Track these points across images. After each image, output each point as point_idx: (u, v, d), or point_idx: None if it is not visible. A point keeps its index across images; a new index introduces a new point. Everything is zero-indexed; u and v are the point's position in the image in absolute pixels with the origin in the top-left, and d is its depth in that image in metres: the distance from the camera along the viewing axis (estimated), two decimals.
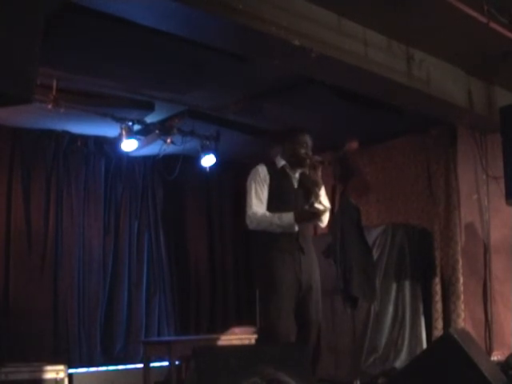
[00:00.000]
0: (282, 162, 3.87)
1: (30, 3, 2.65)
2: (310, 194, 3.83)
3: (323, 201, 3.86)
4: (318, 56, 4.00)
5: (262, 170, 3.80)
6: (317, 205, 3.78)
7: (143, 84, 5.13)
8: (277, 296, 3.62)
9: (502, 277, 5.56)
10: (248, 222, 3.72)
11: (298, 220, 3.66)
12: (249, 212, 3.72)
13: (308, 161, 3.80)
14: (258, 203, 3.71)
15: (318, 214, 3.73)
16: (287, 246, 3.70)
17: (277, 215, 3.66)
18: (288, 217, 3.65)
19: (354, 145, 7.02)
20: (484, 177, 5.79)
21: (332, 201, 7.00)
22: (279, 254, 3.68)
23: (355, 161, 6.90)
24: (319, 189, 3.82)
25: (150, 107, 5.60)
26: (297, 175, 3.89)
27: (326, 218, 3.88)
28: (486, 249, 5.73)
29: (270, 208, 3.73)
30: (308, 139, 3.87)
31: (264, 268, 3.73)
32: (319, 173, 3.82)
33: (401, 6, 3.98)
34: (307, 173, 3.87)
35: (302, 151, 3.82)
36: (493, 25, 4.11)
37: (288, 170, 3.86)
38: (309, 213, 3.73)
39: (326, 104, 5.50)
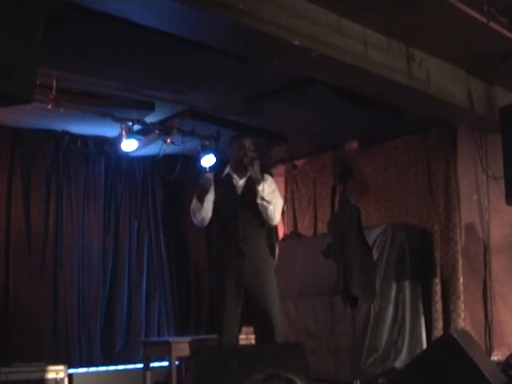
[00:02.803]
0: (227, 170, 4.09)
1: (30, 3, 2.65)
2: (255, 195, 3.94)
3: (266, 196, 3.91)
4: (318, 56, 4.00)
5: (208, 177, 4.02)
6: (259, 201, 3.91)
7: (143, 84, 5.13)
8: (219, 299, 3.89)
9: (502, 277, 5.56)
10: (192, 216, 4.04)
11: (196, 194, 3.93)
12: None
13: (245, 160, 3.93)
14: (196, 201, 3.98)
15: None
16: (228, 251, 3.90)
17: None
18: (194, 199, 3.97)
19: (354, 145, 7.05)
20: (484, 177, 5.78)
21: (332, 201, 7.05)
22: (222, 260, 3.91)
23: (355, 161, 6.91)
24: (258, 184, 3.91)
25: (150, 107, 5.60)
26: (241, 182, 4.02)
27: (273, 214, 3.96)
28: (486, 249, 5.73)
29: (214, 214, 3.99)
30: (245, 142, 4.05)
31: (212, 273, 4.07)
32: (256, 168, 3.90)
33: (401, 6, 3.98)
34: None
35: (240, 154, 3.99)
36: (493, 25, 4.11)
37: (232, 179, 4.03)
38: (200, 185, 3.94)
39: (326, 104, 5.49)
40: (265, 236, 4.03)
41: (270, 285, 3.92)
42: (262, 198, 3.90)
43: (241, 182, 4.02)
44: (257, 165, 3.90)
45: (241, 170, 4.04)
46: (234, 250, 3.88)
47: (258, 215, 3.96)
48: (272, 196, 3.96)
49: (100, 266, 6.41)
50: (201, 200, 3.91)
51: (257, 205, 3.93)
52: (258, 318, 3.85)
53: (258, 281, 3.87)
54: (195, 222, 4.03)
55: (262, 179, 3.93)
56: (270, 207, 3.92)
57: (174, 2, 3.29)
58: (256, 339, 3.96)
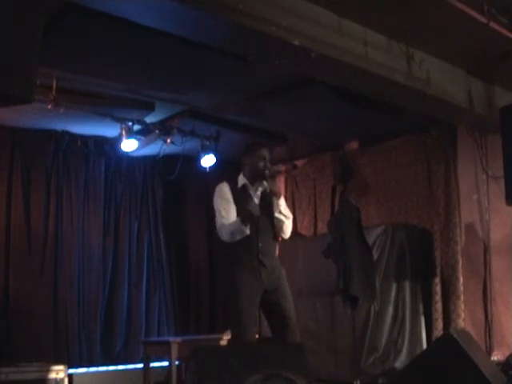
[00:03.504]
0: (242, 181, 3.97)
1: (30, 3, 2.65)
2: (271, 210, 3.90)
3: (283, 211, 3.92)
4: (318, 56, 4.00)
5: (225, 188, 3.93)
6: (277, 215, 3.89)
7: (143, 84, 5.13)
8: (239, 309, 3.78)
9: (502, 277, 5.56)
10: (220, 234, 3.89)
11: (243, 221, 3.76)
12: (218, 225, 3.88)
13: (267, 172, 3.86)
14: (225, 215, 3.85)
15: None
16: (247, 261, 3.83)
17: (231, 222, 3.83)
18: (236, 222, 3.80)
19: (354, 145, 7.05)
20: (484, 177, 5.78)
21: (332, 201, 7.06)
22: (241, 269, 3.82)
23: (355, 161, 6.91)
24: (278, 198, 3.88)
25: (150, 107, 5.60)
26: (258, 193, 3.95)
27: (288, 229, 3.98)
28: (486, 249, 5.73)
29: None
30: (265, 152, 3.96)
31: (228, 283, 3.89)
32: (277, 183, 3.97)
33: (401, 6, 3.98)
34: (267, 187, 3.92)
35: (261, 164, 3.89)
36: (493, 25, 4.11)
37: (249, 189, 3.94)
38: (250, 214, 3.79)
39: (325, 104, 5.49)
40: (276, 248, 4.05)
41: (288, 292, 3.95)
42: (281, 212, 3.89)
43: (257, 194, 3.95)
44: (277, 178, 3.89)
45: (257, 181, 3.94)
46: (253, 260, 3.83)
47: (273, 228, 3.95)
48: (287, 211, 3.98)
49: (100, 265, 6.40)
50: (245, 224, 3.77)
51: (273, 218, 3.91)
52: (279, 321, 3.86)
53: (278, 287, 3.89)
54: (228, 239, 3.86)
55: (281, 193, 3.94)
56: (287, 222, 3.93)
57: (173, 1, 3.29)
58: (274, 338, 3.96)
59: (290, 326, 3.85)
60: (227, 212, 3.85)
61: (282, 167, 4.09)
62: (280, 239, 4.09)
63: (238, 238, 3.80)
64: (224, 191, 3.92)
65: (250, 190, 3.94)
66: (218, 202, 3.93)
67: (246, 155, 4.00)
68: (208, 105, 5.70)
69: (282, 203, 3.92)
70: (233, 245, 3.84)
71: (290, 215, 4.00)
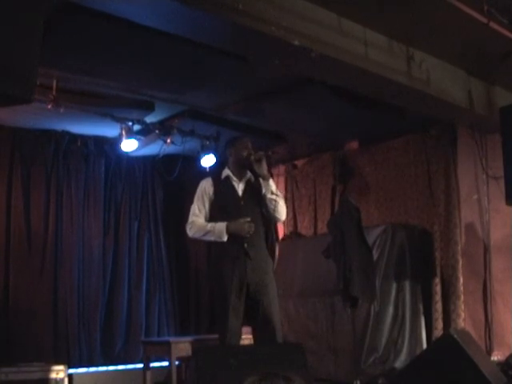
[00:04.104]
0: (225, 173, 4.05)
1: (30, 3, 2.65)
2: (257, 200, 3.96)
3: (275, 191, 3.97)
4: (318, 56, 4.00)
5: (207, 184, 4.04)
6: (269, 195, 3.92)
7: (143, 84, 5.13)
8: (222, 299, 3.83)
9: (502, 277, 5.56)
10: (187, 229, 4.07)
11: (229, 229, 3.85)
12: (189, 221, 4.04)
13: (252, 157, 3.94)
14: (198, 214, 4.01)
15: (244, 225, 3.86)
16: (234, 252, 3.86)
17: (210, 224, 3.94)
18: (220, 226, 3.88)
19: (354, 145, 7.05)
20: (484, 177, 5.79)
21: (332, 201, 7.05)
22: (226, 261, 3.87)
23: (355, 161, 6.91)
24: (267, 180, 3.93)
25: (149, 107, 5.60)
26: (241, 184, 4.01)
27: (282, 209, 4.00)
28: (486, 249, 5.73)
29: (215, 219, 3.96)
30: (247, 142, 4.05)
31: (213, 274, 3.96)
32: (264, 165, 3.93)
33: (401, 6, 3.98)
34: (251, 176, 4.02)
35: (244, 153, 3.98)
36: (493, 25, 4.11)
37: (232, 180, 4.01)
38: (240, 224, 3.85)
39: (325, 104, 5.49)
40: (264, 237, 4.04)
41: (272, 286, 3.93)
42: (273, 193, 3.94)
43: (241, 185, 4.01)
44: (264, 161, 3.92)
45: (241, 172, 4.03)
46: (239, 251, 3.86)
47: (259, 217, 3.99)
48: (278, 192, 4.03)
49: (100, 265, 6.40)
50: (228, 233, 3.86)
51: (258, 206, 3.95)
52: (259, 318, 3.84)
53: (262, 281, 3.88)
54: (192, 235, 4.06)
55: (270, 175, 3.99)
56: (281, 202, 3.97)
57: (173, 1, 3.29)
58: (255, 339, 3.95)
59: (270, 330, 3.81)
60: (200, 210, 4.01)
61: (267, 152, 4.09)
62: (267, 226, 4.08)
63: (207, 239, 3.98)
64: (204, 187, 4.05)
65: (233, 182, 4.01)
66: (195, 198, 4.07)
67: (228, 149, 4.09)
68: (208, 105, 5.70)
69: (272, 184, 3.98)
70: None
71: (281, 195, 4.06)
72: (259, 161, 3.91)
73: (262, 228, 4.00)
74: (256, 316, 3.86)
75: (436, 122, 6.01)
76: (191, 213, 4.06)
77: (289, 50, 3.92)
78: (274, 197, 3.93)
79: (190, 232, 4.05)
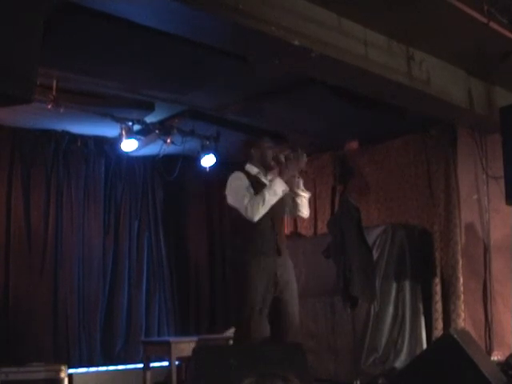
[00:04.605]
0: (254, 170, 3.95)
1: (30, 3, 2.65)
2: (283, 197, 3.87)
3: (302, 187, 3.97)
4: (318, 56, 4.00)
5: (243, 176, 3.87)
6: (301, 192, 3.93)
7: (143, 84, 5.13)
8: (250, 298, 3.68)
9: (502, 277, 5.56)
10: (249, 213, 3.69)
11: (282, 174, 3.77)
12: (244, 204, 3.70)
13: (282, 156, 3.90)
14: (248, 196, 3.73)
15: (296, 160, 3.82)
16: (264, 248, 3.76)
17: (264, 191, 3.73)
18: (274, 182, 3.75)
19: (354, 145, 7.05)
20: (484, 177, 5.79)
21: (332, 201, 7.05)
22: (254, 257, 3.73)
23: (355, 161, 6.91)
24: (297, 177, 3.92)
25: (150, 107, 5.60)
26: (268, 182, 3.94)
27: (306, 208, 4.00)
28: (486, 249, 5.73)
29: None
30: (270, 141, 4.03)
31: (239, 271, 3.77)
32: (293, 165, 3.88)
33: (401, 6, 3.98)
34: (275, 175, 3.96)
35: (270, 152, 3.94)
36: (493, 25, 4.11)
37: (262, 177, 3.94)
38: (291, 162, 3.80)
39: (325, 104, 5.49)
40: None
41: (294, 283, 3.92)
42: (303, 190, 3.94)
43: (268, 181, 3.92)
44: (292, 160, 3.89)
45: (267, 169, 3.98)
46: (269, 246, 3.78)
47: (284, 215, 4.01)
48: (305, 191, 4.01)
49: (100, 265, 6.40)
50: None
51: (283, 203, 3.90)
52: (281, 315, 3.79)
53: (287, 278, 3.85)
54: (261, 212, 3.70)
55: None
56: (306, 202, 3.98)
57: (173, 1, 3.29)
58: (273, 335, 3.85)
59: (290, 327, 3.79)
60: (251, 192, 3.75)
61: (295, 149, 4.05)
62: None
63: (274, 201, 3.73)
64: (241, 177, 3.84)
65: (262, 179, 3.92)
66: (238, 186, 3.80)
67: (251, 148, 3.99)
68: (208, 105, 5.70)
69: (300, 180, 3.95)
70: (248, 232, 3.75)
71: (309, 194, 4.04)
72: (287, 160, 3.89)
73: (283, 227, 4.01)
74: (277, 313, 3.79)
75: (436, 122, 6.01)
76: (242, 200, 3.72)
77: (289, 49, 3.92)
78: (302, 193, 3.94)
79: (253, 213, 3.68)
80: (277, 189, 3.74)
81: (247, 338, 3.66)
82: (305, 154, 3.90)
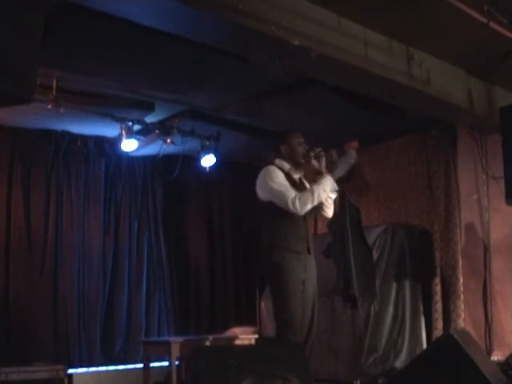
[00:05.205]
0: (285, 166, 3.84)
1: (30, 3, 2.65)
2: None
3: (334, 188, 3.86)
4: (318, 56, 4.00)
5: (278, 170, 3.76)
6: (331, 193, 3.84)
7: (143, 84, 5.13)
8: (288, 298, 3.61)
9: (502, 277, 5.56)
10: (297, 206, 3.63)
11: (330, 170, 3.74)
12: (291, 197, 3.63)
13: (312, 154, 3.81)
14: (292, 189, 3.66)
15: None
16: (297, 246, 3.70)
17: (313, 186, 3.69)
18: (324, 179, 3.70)
19: (354, 145, 7.04)
20: (484, 177, 5.79)
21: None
22: (289, 255, 3.66)
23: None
24: (325, 176, 3.79)
25: (150, 107, 5.60)
26: (298, 180, 3.88)
27: (331, 208, 3.92)
28: (486, 249, 5.74)
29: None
30: (301, 136, 3.91)
31: (275, 270, 3.68)
32: (323, 162, 3.81)
33: (401, 6, 3.99)
34: (305, 172, 3.89)
35: (300, 149, 3.85)
36: (493, 25, 4.11)
37: (294, 174, 3.85)
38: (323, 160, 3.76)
39: (326, 104, 5.50)
40: None
41: (316, 287, 3.87)
42: (332, 191, 3.83)
43: (298, 180, 3.87)
44: (324, 158, 3.81)
45: (298, 165, 3.87)
46: (302, 245, 3.73)
47: (312, 214, 3.90)
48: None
49: (100, 265, 6.40)
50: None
51: None
52: (306, 312, 3.72)
53: (314, 278, 3.81)
54: (310, 205, 3.67)
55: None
56: (331, 202, 3.90)
57: (173, 1, 3.30)
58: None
59: (311, 326, 3.71)
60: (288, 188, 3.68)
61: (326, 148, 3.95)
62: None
63: (323, 197, 3.72)
64: (277, 171, 3.75)
65: (294, 175, 3.84)
66: (277, 180, 3.70)
67: (281, 144, 3.87)
68: (208, 105, 5.70)
69: (330, 178, 3.80)
70: (281, 230, 3.69)
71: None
72: (318, 158, 3.81)
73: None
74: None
75: (436, 122, 6.02)
76: (285, 193, 3.64)
77: (289, 49, 3.92)
78: (333, 195, 3.86)
79: (302, 205, 3.63)
80: (326, 186, 3.70)
81: (290, 337, 3.58)
82: (334, 151, 3.83)
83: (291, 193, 3.66)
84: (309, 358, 3.66)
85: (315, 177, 3.82)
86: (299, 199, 3.64)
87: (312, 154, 3.81)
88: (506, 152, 4.85)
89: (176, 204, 7.17)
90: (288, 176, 3.80)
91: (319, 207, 3.86)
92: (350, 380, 4.89)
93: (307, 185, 3.87)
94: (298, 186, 3.80)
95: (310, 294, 3.77)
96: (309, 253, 3.77)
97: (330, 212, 3.95)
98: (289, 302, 3.62)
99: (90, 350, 6.17)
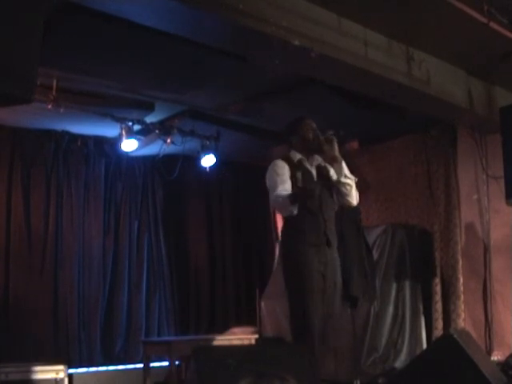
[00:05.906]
0: (297, 156, 3.71)
1: (30, 3, 2.65)
2: (331, 184, 3.68)
3: (348, 174, 3.68)
4: (318, 56, 4.00)
5: (283, 164, 3.64)
6: (343, 179, 3.64)
7: (143, 84, 5.13)
8: (302, 293, 3.48)
9: (502, 277, 5.56)
10: (275, 205, 3.64)
11: (291, 200, 3.45)
12: (273, 195, 3.55)
13: (322, 138, 3.65)
14: (282, 187, 3.53)
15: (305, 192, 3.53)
16: (314, 239, 3.54)
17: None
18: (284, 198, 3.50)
19: (354, 145, 7.05)
20: (484, 177, 5.79)
21: None
22: (305, 248, 3.51)
23: (355, 161, 6.90)
24: (339, 163, 3.64)
25: (149, 107, 5.60)
26: (313, 169, 3.72)
27: (356, 192, 3.72)
28: (486, 249, 5.74)
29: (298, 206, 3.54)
30: (311, 123, 3.77)
31: (289, 262, 3.58)
32: (336, 147, 3.62)
33: (401, 6, 3.99)
34: (321, 160, 3.74)
35: (310, 135, 3.70)
36: (493, 25, 4.11)
37: (306, 164, 3.70)
38: (300, 192, 3.50)
39: (326, 104, 5.49)
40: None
41: (340, 277, 3.71)
42: (346, 176, 3.64)
43: (313, 168, 3.72)
44: (335, 142, 3.63)
45: (311, 155, 3.72)
46: (320, 238, 3.54)
47: (332, 203, 3.71)
48: (350, 175, 3.70)
49: (100, 265, 6.40)
50: (293, 203, 3.46)
51: (330, 191, 3.68)
52: (328, 308, 3.57)
53: (336, 274, 3.63)
54: (286, 214, 3.58)
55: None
56: (354, 184, 3.69)
57: (173, 1, 3.30)
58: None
59: (330, 325, 3.60)
60: (283, 184, 3.54)
61: (337, 131, 3.81)
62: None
63: (287, 214, 3.54)
64: (280, 166, 3.63)
65: (306, 164, 3.70)
66: (273, 178, 3.61)
67: (291, 134, 3.76)
68: (208, 105, 5.70)
69: (344, 166, 3.65)
70: (297, 220, 3.53)
71: (355, 178, 3.74)
72: (330, 142, 3.62)
73: (333, 215, 3.71)
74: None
75: (436, 122, 6.02)
76: (274, 188, 3.55)
77: (289, 49, 3.92)
78: (347, 180, 3.64)
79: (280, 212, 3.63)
80: (292, 208, 3.50)
81: (306, 334, 3.48)
82: (335, 139, 3.65)
83: (277, 188, 3.53)
84: (323, 357, 3.57)
85: (331, 163, 3.68)
86: (278, 199, 3.52)
87: (322, 137, 3.65)
88: (506, 152, 4.85)
89: (176, 204, 7.17)
90: (297, 166, 3.65)
91: (341, 196, 3.69)
92: (350, 380, 4.89)
93: (331, 170, 3.72)
94: (307, 174, 3.64)
95: (334, 289, 3.60)
96: (329, 246, 3.57)
97: (353, 200, 3.72)
98: (300, 299, 3.48)
99: (90, 350, 6.17)
